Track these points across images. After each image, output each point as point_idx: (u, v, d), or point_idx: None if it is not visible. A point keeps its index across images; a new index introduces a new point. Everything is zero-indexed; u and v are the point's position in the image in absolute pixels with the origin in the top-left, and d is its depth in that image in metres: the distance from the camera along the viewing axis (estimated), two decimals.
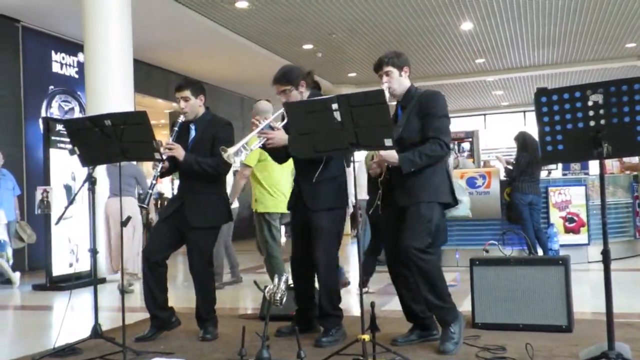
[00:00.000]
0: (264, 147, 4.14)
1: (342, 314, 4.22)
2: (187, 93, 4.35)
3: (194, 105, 4.39)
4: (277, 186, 5.67)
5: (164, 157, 4.16)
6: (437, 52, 13.49)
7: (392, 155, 3.65)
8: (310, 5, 10.13)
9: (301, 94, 4.18)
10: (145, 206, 4.30)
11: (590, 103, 2.93)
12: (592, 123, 2.93)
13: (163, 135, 16.19)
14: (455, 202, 3.93)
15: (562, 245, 7.82)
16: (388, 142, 3.37)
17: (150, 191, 4.28)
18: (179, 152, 4.20)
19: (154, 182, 4.30)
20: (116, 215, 6.96)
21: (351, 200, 5.01)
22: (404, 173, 3.66)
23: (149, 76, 13.02)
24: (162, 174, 4.40)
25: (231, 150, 3.94)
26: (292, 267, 4.35)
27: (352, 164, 4.01)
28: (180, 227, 4.33)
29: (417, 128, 3.79)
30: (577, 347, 3.67)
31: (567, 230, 8.21)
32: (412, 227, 3.71)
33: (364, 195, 8.67)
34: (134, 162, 7.26)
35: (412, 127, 3.79)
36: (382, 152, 3.64)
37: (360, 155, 4.55)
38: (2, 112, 9.64)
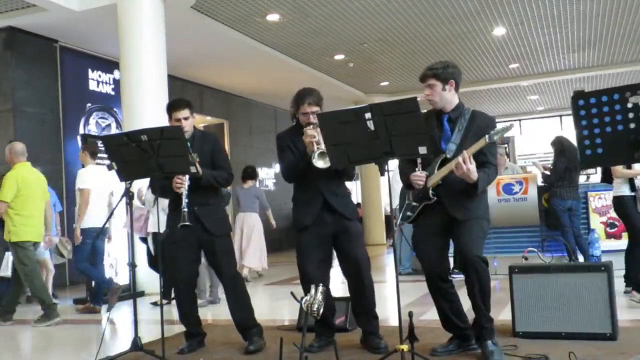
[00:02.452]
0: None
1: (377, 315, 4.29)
2: (187, 112, 4.43)
3: (191, 124, 4.49)
4: (32, 217, 6.33)
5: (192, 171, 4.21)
6: (470, 59, 13.39)
7: (474, 173, 3.57)
8: (341, 16, 10.15)
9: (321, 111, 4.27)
10: (187, 223, 4.33)
11: (629, 105, 2.86)
12: (632, 125, 2.87)
13: None
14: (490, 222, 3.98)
15: (603, 251, 7.66)
16: (422, 149, 3.35)
17: (185, 209, 4.29)
18: (199, 167, 4.23)
19: (186, 200, 4.30)
20: (245, 226, 9.16)
21: (385, 208, 5.03)
22: (478, 192, 3.68)
23: (183, 91, 13.19)
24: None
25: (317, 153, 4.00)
26: (307, 280, 4.11)
27: (386, 173, 3.98)
28: (197, 240, 4.38)
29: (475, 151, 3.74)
30: (622, 355, 3.58)
31: (609, 236, 8.03)
32: (476, 238, 3.71)
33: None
34: (257, 184, 9.20)
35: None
36: (471, 167, 3.54)
37: (393, 164, 4.51)
38: (41, 129, 9.87)
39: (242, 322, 4.39)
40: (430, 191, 3.81)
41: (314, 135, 4.00)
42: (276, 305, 6.85)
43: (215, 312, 6.19)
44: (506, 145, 15.85)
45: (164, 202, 6.90)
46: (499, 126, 3.60)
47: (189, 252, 4.42)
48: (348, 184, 4.48)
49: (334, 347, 3.52)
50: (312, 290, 3.72)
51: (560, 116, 20.72)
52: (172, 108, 4.46)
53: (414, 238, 4.04)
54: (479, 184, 3.61)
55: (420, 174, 3.81)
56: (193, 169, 4.04)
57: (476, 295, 3.68)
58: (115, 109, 11.05)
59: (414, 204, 3.95)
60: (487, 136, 3.58)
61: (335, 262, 4.36)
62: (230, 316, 4.44)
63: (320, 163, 3.95)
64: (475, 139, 3.69)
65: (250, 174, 9.54)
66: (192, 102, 4.60)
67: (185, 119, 4.40)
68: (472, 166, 3.55)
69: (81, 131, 10.37)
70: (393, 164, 4.00)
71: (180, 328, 5.34)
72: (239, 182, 9.38)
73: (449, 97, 3.84)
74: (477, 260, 3.63)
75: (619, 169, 5.78)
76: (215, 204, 4.50)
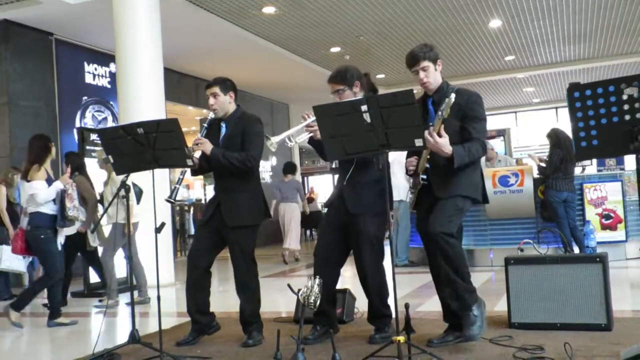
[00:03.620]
0: (310, 140, 4.19)
1: (391, 312, 4.21)
2: (216, 89, 4.37)
3: (224, 102, 4.40)
4: None
5: (195, 153, 4.21)
6: (466, 51, 13.39)
7: (445, 145, 3.57)
8: (337, 9, 10.14)
9: (355, 94, 4.17)
10: (172, 200, 4.30)
11: (624, 97, 2.88)
12: (627, 117, 2.88)
13: None
14: (485, 200, 3.95)
15: (598, 243, 7.68)
16: (418, 142, 3.36)
17: (177, 186, 4.28)
18: (206, 147, 4.23)
19: (181, 177, 4.30)
20: (286, 214, 10.46)
21: None
22: (455, 167, 3.62)
23: (179, 84, 13.17)
24: (195, 172, 4.48)
25: (275, 139, 4.04)
26: (316, 266, 4.27)
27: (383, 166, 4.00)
28: (219, 228, 4.36)
29: (457, 129, 3.75)
30: (617, 346, 3.60)
31: (604, 227, 8.06)
32: (443, 214, 3.72)
33: (395, 196, 8.67)
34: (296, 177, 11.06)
35: (452, 129, 3.71)
36: (439, 140, 3.54)
37: (390, 157, 4.52)
38: (38, 123, 9.84)
39: (245, 316, 4.40)
40: (421, 175, 3.84)
41: (303, 117, 4.10)
42: (274, 297, 6.87)
43: (213, 304, 6.20)
44: (502, 137, 15.86)
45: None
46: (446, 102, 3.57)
47: (208, 237, 4.42)
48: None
49: (330, 339, 3.53)
50: (309, 282, 3.74)
51: (556, 108, 20.74)
52: (205, 86, 4.45)
53: (416, 223, 4.09)
54: (454, 157, 3.60)
55: (412, 159, 3.89)
56: (189, 162, 4.04)
57: (447, 272, 3.70)
58: (111, 102, 11.03)
59: (413, 190, 4.00)
60: (439, 112, 3.58)
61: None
62: (240, 307, 4.45)
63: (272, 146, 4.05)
64: (457, 117, 3.73)
65: (290, 169, 10.86)
66: (228, 82, 4.46)
67: (214, 95, 4.36)
68: (441, 140, 3.55)
69: (77, 124, 10.35)
70: (390, 156, 4.01)
71: (177, 321, 5.37)
72: (278, 176, 10.66)
73: (438, 78, 3.88)
74: (438, 235, 3.65)
75: None
76: (240, 192, 4.33)
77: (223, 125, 4.46)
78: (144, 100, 8.10)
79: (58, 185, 5.58)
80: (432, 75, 3.84)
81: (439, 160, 3.72)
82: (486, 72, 15.58)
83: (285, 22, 10.72)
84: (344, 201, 4.16)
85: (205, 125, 4.37)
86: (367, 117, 3.35)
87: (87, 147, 8.14)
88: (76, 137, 9.65)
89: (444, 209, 3.74)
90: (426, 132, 3.53)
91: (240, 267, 4.35)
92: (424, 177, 3.85)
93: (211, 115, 4.40)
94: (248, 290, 4.39)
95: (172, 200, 4.26)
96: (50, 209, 5.60)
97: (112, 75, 10.84)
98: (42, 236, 5.56)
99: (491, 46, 13.17)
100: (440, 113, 3.56)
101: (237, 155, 4.24)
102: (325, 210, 4.48)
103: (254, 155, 4.28)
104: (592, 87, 2.95)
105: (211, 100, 4.38)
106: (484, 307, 3.83)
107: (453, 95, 3.54)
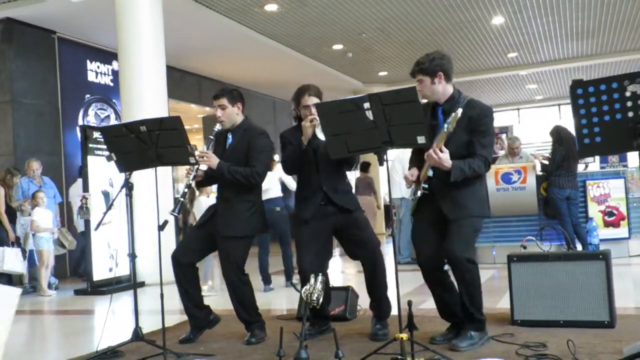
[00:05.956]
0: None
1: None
2: (223, 101, 4.35)
3: (231, 114, 4.38)
4: None
5: (201, 166, 4.20)
6: (468, 48, 13.36)
7: (446, 160, 3.55)
8: (339, 6, 10.13)
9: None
10: (176, 214, 4.28)
11: (628, 94, 2.87)
12: (630, 114, 2.87)
13: (197, 140, 16.37)
14: (488, 214, 3.96)
15: (601, 240, 7.68)
16: (421, 139, 3.36)
17: (182, 199, 4.26)
18: (212, 161, 4.21)
19: (185, 190, 4.29)
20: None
21: (384, 198, 5.04)
22: (451, 180, 3.61)
23: (181, 82, 13.17)
24: (200, 183, 4.47)
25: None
26: (305, 276, 4.14)
27: (385, 163, 3.99)
28: (213, 234, 4.36)
29: (465, 142, 3.72)
30: (620, 343, 3.60)
31: (607, 224, 8.05)
32: (464, 238, 3.72)
33: (397, 193, 8.67)
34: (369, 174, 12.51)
35: (460, 142, 3.70)
36: (441, 155, 3.52)
37: (392, 154, 4.53)
38: (40, 121, 9.86)
39: (243, 318, 4.42)
40: (422, 185, 3.82)
41: (313, 118, 4.03)
42: (275, 295, 6.88)
43: (216, 301, 6.22)
44: (505, 134, 15.83)
45: None
46: (451, 116, 3.57)
47: (198, 239, 4.45)
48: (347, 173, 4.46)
49: (333, 336, 3.53)
50: (312, 280, 3.74)
51: (559, 105, 20.71)
52: (212, 97, 4.43)
53: (412, 229, 4.08)
54: (452, 171, 3.59)
55: (409, 174, 3.86)
56: (192, 160, 4.03)
57: (462, 294, 3.75)
58: (114, 100, 11.04)
59: (413, 197, 3.99)
60: (445, 126, 3.57)
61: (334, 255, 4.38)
62: (234, 308, 4.46)
63: (322, 135, 3.95)
64: (467, 130, 3.70)
65: (363, 167, 12.26)
66: (235, 92, 4.43)
67: (221, 107, 4.34)
68: (443, 155, 3.53)
69: (80, 122, 10.37)
70: (392, 154, 4.01)
71: (180, 318, 5.37)
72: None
73: (440, 90, 3.81)
74: (461, 262, 3.67)
75: None
76: (238, 202, 4.31)
77: (229, 136, 4.44)
78: (146, 98, 8.11)
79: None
80: (428, 88, 3.80)
81: (443, 176, 3.69)
82: (489, 69, 15.55)
83: (288, 20, 10.72)
84: (337, 205, 4.18)
85: (212, 137, 4.33)
86: (369, 115, 3.35)
87: (90, 145, 8.15)
88: (79, 135, 9.67)
89: (462, 232, 3.72)
90: (430, 150, 3.54)
91: (229, 275, 4.34)
92: (425, 186, 3.83)
93: (218, 127, 4.34)
94: (238, 296, 4.39)
95: (177, 214, 4.22)
96: None
97: (115, 73, 10.84)
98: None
99: (494, 43, 13.15)
100: (446, 126, 3.54)
101: (242, 171, 4.23)
102: (301, 227, 4.26)
103: (258, 171, 4.26)
104: (595, 84, 2.94)
105: (218, 112, 4.35)
106: (486, 339, 3.84)
107: (460, 110, 3.53)
